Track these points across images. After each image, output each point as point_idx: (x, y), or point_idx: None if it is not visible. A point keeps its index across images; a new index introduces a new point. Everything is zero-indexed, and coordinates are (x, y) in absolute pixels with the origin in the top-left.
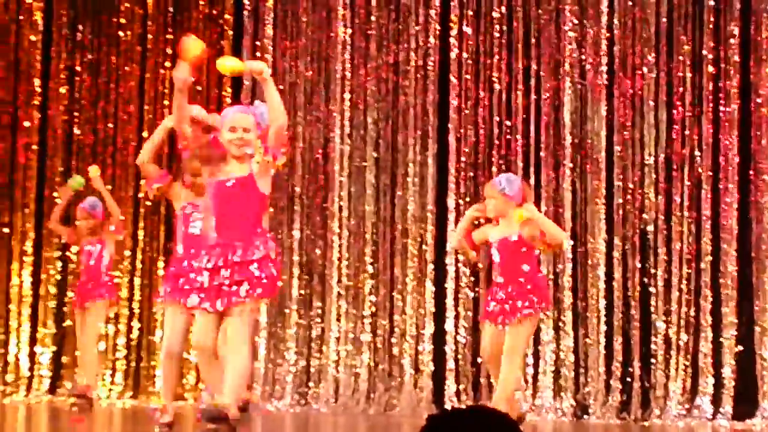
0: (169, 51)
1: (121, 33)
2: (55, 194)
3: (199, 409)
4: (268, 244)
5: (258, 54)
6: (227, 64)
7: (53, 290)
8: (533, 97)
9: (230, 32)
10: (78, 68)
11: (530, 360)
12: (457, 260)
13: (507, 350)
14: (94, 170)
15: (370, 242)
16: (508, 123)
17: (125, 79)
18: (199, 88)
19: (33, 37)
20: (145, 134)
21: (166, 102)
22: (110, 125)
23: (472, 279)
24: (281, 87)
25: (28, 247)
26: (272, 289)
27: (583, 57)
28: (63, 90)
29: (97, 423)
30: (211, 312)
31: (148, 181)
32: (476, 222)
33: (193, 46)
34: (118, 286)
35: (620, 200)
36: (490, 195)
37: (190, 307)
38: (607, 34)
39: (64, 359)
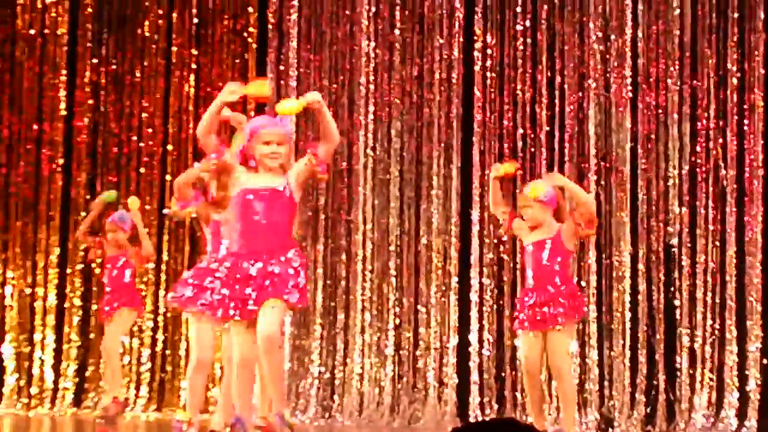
0: (193, 65)
1: (145, 47)
2: (80, 206)
3: None
4: (299, 254)
5: (282, 68)
6: (287, 107)
7: (78, 303)
8: (557, 109)
9: (254, 46)
10: (102, 81)
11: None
12: (481, 273)
13: (559, 366)
14: (134, 203)
15: (394, 255)
16: (532, 135)
17: (149, 93)
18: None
19: (58, 51)
20: (169, 147)
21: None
22: (134, 138)
23: (496, 291)
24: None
25: (53, 259)
26: (303, 298)
27: (608, 69)
28: (88, 102)
29: None
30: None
31: (182, 202)
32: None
33: (261, 88)
34: (144, 298)
35: (645, 213)
36: (525, 204)
37: (225, 318)
38: (631, 47)
39: (89, 372)
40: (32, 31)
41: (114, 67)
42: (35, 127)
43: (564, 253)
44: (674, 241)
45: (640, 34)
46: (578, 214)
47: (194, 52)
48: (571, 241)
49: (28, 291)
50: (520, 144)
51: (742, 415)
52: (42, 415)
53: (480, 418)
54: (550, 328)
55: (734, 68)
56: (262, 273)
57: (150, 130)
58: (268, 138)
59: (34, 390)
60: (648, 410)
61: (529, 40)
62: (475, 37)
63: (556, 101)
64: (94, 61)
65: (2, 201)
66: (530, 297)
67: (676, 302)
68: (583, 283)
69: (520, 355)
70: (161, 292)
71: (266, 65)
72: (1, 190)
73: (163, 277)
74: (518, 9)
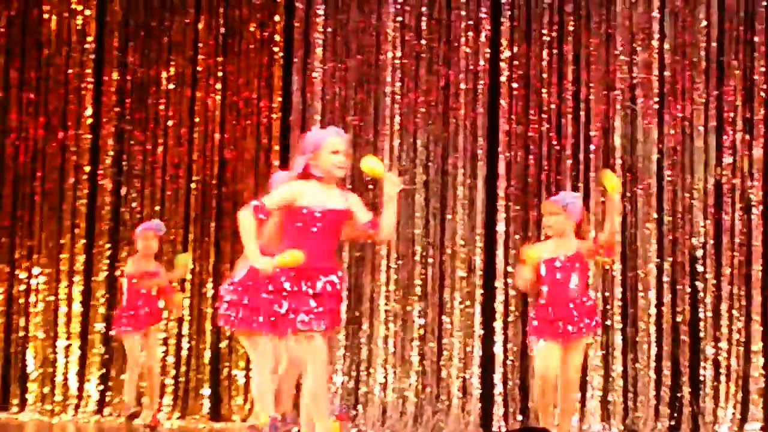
0: (219, 74)
1: (171, 54)
2: (105, 214)
3: None
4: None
5: (307, 74)
6: (372, 165)
7: (102, 310)
8: (583, 120)
9: (280, 54)
10: (128, 89)
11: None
12: (506, 284)
13: (573, 378)
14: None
15: (419, 265)
16: (558, 146)
17: (175, 101)
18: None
19: (84, 58)
20: (195, 156)
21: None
22: (160, 146)
23: (521, 302)
24: (332, 111)
25: (78, 267)
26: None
27: (634, 81)
28: (114, 110)
29: None
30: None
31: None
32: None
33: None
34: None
35: (670, 224)
36: (552, 211)
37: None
38: (658, 58)
39: (112, 379)
40: (59, 38)
41: (140, 74)
42: (61, 134)
43: (583, 269)
44: (699, 253)
45: (666, 46)
46: (603, 240)
47: (220, 60)
48: (590, 259)
49: (52, 298)
50: (545, 155)
51: (767, 427)
52: (65, 421)
53: (504, 430)
54: (570, 345)
55: (761, 80)
56: (316, 293)
57: (176, 138)
58: (337, 147)
59: (58, 397)
60: (672, 422)
61: (555, 51)
62: (502, 48)
63: (582, 112)
64: (121, 68)
65: (28, 208)
66: (549, 311)
67: (701, 314)
68: (607, 294)
69: (539, 363)
70: (186, 301)
71: (292, 74)
72: (26, 197)
73: (188, 285)
74: (545, 20)
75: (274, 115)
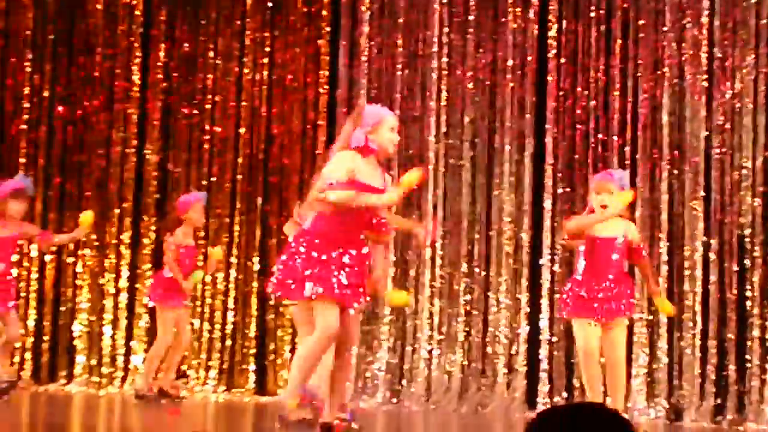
0: (267, 48)
1: (219, 29)
2: (151, 188)
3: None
4: None
5: (353, 50)
6: (396, 297)
7: (148, 284)
8: (630, 97)
9: (327, 29)
10: (175, 63)
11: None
12: (552, 260)
13: (619, 357)
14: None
15: (465, 241)
16: (605, 124)
17: (223, 75)
18: (295, 84)
19: (131, 32)
20: (242, 130)
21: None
22: (207, 121)
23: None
24: (378, 87)
25: (125, 239)
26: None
27: (682, 58)
28: (161, 84)
29: (191, 416)
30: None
31: None
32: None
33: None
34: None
35: (717, 203)
36: (607, 189)
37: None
38: (708, 35)
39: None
40: (107, 12)
41: (187, 49)
42: (108, 108)
43: (627, 248)
44: (747, 231)
45: (716, 23)
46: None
47: (267, 34)
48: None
49: (99, 270)
50: (592, 131)
51: None
52: (112, 394)
53: (549, 406)
54: (614, 324)
55: None
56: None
57: (222, 113)
58: (394, 126)
59: (105, 369)
60: (718, 401)
61: (603, 27)
62: (550, 24)
63: (630, 89)
64: (168, 42)
65: (75, 182)
66: (592, 287)
67: (748, 293)
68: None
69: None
70: (232, 273)
71: (338, 49)
72: (74, 170)
73: (233, 260)
74: None
75: (321, 90)
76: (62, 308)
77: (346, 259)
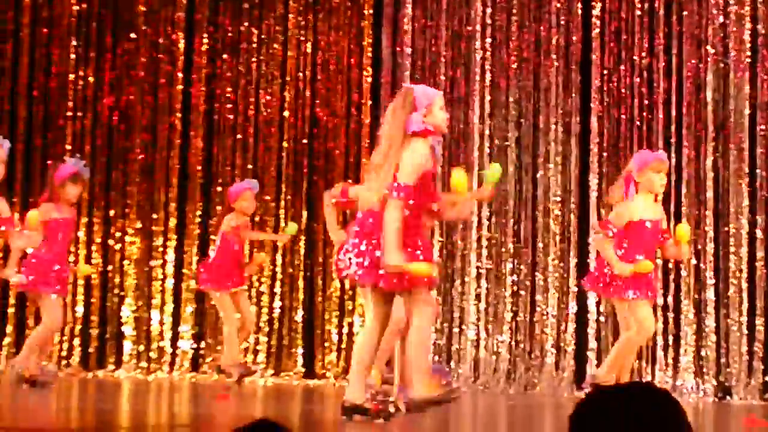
0: (310, 31)
1: (262, 13)
2: (196, 172)
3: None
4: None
5: (397, 31)
6: (496, 172)
7: (195, 268)
8: (675, 76)
9: (370, 12)
10: (219, 48)
11: (671, 340)
12: None
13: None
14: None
15: (512, 222)
16: (648, 102)
17: (266, 59)
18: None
19: (175, 17)
20: (286, 114)
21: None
22: (251, 106)
23: None
24: (422, 68)
25: (171, 225)
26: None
27: (726, 35)
28: (205, 69)
29: (240, 400)
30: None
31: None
32: None
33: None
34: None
35: (763, 179)
36: (661, 169)
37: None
38: (751, 11)
39: (205, 338)
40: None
41: (231, 33)
42: (152, 95)
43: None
44: None
45: None
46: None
47: (311, 17)
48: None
49: (146, 256)
50: (637, 111)
51: None
52: (161, 379)
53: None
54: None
55: None
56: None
57: (267, 97)
58: (442, 102)
59: (153, 354)
60: (766, 378)
61: (646, 5)
62: (593, 2)
63: (674, 67)
64: (211, 27)
65: (121, 167)
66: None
67: None
68: (699, 249)
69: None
70: (278, 258)
71: (382, 31)
72: (119, 156)
73: (279, 244)
74: None
75: (364, 72)
76: (110, 294)
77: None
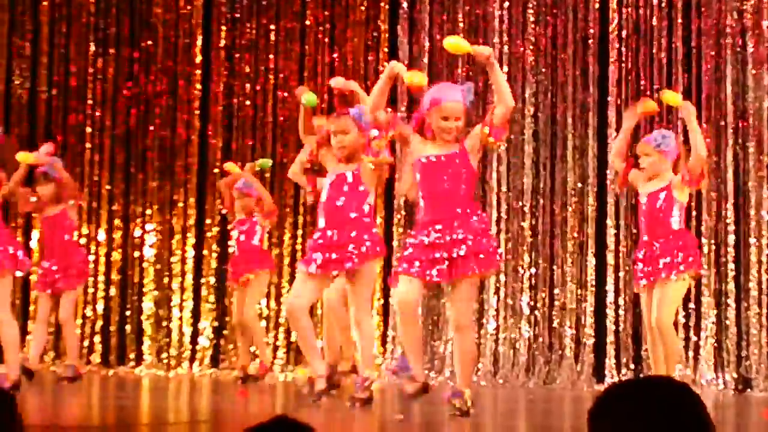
0: (327, 28)
1: (280, 10)
2: (215, 170)
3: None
4: (482, 218)
5: (413, 26)
6: (452, 42)
7: (214, 265)
8: (694, 68)
9: (386, 7)
10: (237, 44)
11: (691, 332)
12: (617, 233)
13: (659, 319)
14: (233, 167)
15: (529, 215)
16: None
17: (284, 56)
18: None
19: (194, 14)
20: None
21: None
22: (269, 104)
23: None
24: (439, 64)
25: (191, 222)
26: (493, 262)
27: (745, 27)
28: (224, 66)
29: (260, 396)
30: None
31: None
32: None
33: (421, 79)
34: (270, 256)
35: None
36: (645, 152)
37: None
38: None
39: (225, 335)
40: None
41: (248, 30)
42: (171, 91)
43: (677, 204)
44: None
45: None
46: (690, 164)
47: (327, 14)
48: (681, 193)
49: (165, 253)
50: (655, 104)
51: None
52: (181, 375)
53: (616, 379)
54: (662, 278)
55: None
56: (448, 241)
57: (285, 94)
58: (448, 113)
59: (173, 351)
60: None
61: None
62: None
63: (693, 59)
64: (229, 24)
65: (140, 164)
66: (643, 250)
67: None
68: (719, 241)
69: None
70: (299, 253)
71: (398, 27)
72: (138, 153)
73: (300, 240)
74: None
75: (381, 68)
76: (129, 291)
77: None
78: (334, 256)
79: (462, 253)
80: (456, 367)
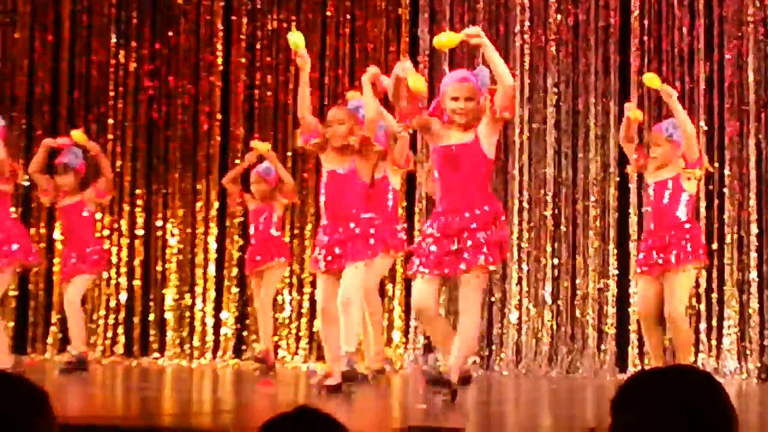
0: (348, 18)
1: (301, 1)
2: (236, 161)
3: (422, 370)
4: (495, 208)
5: (434, 16)
6: (444, 39)
7: (236, 254)
8: (716, 56)
9: None
10: (258, 36)
11: (714, 322)
12: (639, 222)
13: (670, 310)
14: (262, 145)
15: (551, 205)
16: (691, 84)
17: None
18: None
19: (214, 6)
20: (326, 102)
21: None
22: (291, 95)
23: None
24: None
25: (213, 213)
26: (502, 253)
27: (766, 14)
28: (245, 58)
29: (282, 386)
30: (435, 276)
31: (304, 134)
32: None
33: (420, 84)
34: (288, 246)
35: None
36: (656, 142)
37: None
38: None
39: (249, 325)
40: None
41: (269, 22)
42: (193, 83)
43: (684, 193)
44: None
45: None
46: (684, 148)
47: (348, 4)
48: (689, 183)
49: (188, 244)
50: (678, 91)
51: None
52: (204, 366)
53: (639, 368)
54: (670, 269)
55: None
56: (459, 230)
57: None
58: (455, 94)
59: (196, 341)
60: None
61: None
62: None
63: (715, 48)
64: (250, 15)
65: (162, 156)
66: (650, 239)
67: None
68: (742, 232)
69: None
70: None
71: (419, 16)
72: (161, 145)
73: (308, 226)
74: None
75: (402, 58)
76: (152, 282)
77: None
78: (337, 250)
79: (470, 243)
80: (452, 350)
